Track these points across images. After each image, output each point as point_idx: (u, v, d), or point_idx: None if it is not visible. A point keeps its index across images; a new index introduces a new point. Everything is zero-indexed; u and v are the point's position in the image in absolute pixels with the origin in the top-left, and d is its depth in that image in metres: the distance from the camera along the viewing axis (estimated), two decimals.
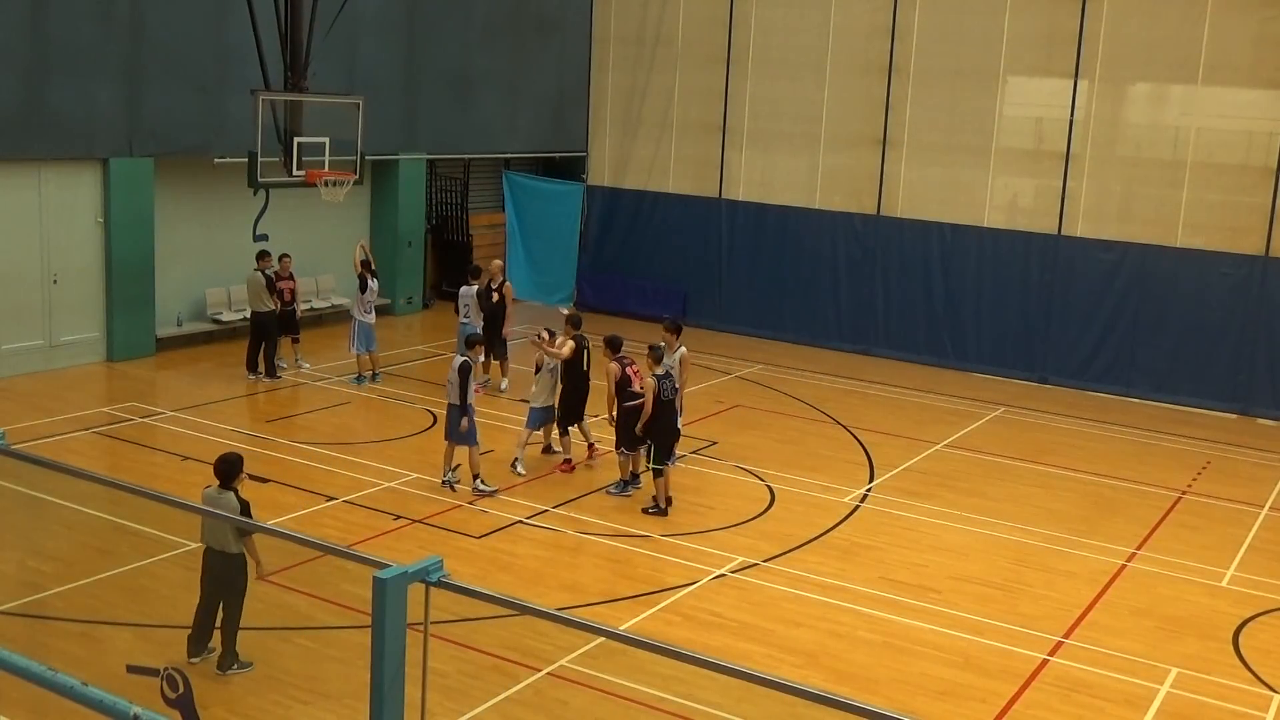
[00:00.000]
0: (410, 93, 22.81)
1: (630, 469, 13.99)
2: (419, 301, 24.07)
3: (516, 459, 14.47)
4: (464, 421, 13.34)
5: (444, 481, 13.64)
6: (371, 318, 17.87)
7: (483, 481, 13.56)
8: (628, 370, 13.86)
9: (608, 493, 13.83)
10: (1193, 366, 19.43)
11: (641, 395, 13.65)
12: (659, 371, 13.47)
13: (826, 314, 22.47)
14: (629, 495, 13.83)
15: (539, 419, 14.69)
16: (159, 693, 4.74)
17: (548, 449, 15.09)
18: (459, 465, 13.66)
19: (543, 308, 24.31)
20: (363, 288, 17.73)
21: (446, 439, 13.67)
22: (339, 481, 13.68)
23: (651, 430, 13.39)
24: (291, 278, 18.31)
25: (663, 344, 14.03)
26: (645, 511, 13.33)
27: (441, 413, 16.44)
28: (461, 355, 13.68)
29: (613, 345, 14.07)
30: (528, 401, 14.84)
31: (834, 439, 16.69)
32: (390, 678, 3.66)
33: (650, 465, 13.49)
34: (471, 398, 13.56)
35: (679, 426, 14.06)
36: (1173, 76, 19.53)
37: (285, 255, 18.25)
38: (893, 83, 21.45)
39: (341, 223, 22.15)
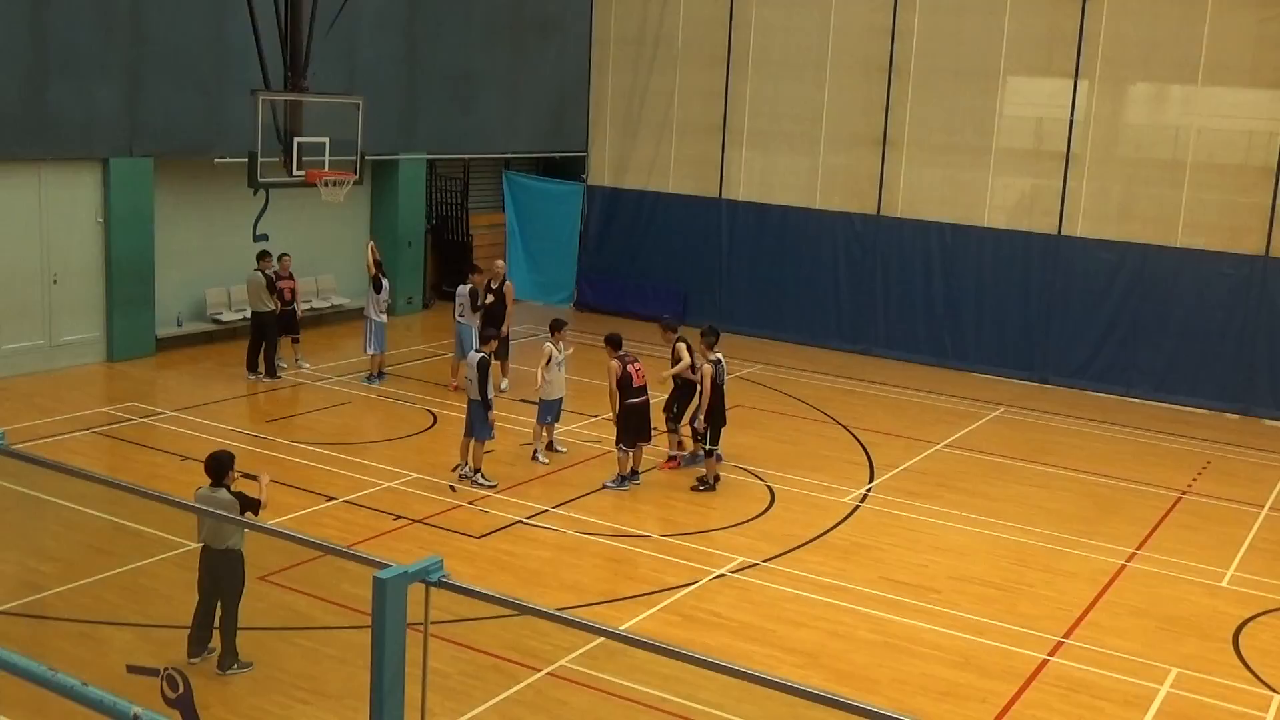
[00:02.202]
0: (410, 93, 22.81)
1: (630, 465, 14.11)
2: (419, 301, 24.07)
3: (536, 450, 14.78)
4: (489, 415, 13.61)
5: (461, 474, 13.84)
6: (384, 318, 17.88)
7: (483, 476, 13.67)
8: (630, 368, 13.96)
9: (605, 486, 13.94)
10: (1193, 366, 19.43)
11: (643, 393, 14.11)
12: (714, 357, 14.00)
13: (826, 314, 22.46)
14: (626, 490, 13.92)
15: (553, 411, 14.85)
16: (159, 693, 4.74)
17: (550, 445, 15.17)
18: (478, 470, 13.78)
19: (543, 307, 24.32)
20: (377, 288, 17.75)
21: (467, 436, 13.85)
22: (339, 481, 13.68)
23: (709, 413, 13.96)
24: (291, 277, 18.30)
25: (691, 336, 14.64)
26: (694, 489, 14.04)
27: (441, 412, 16.55)
28: (478, 352, 13.85)
29: (614, 343, 14.22)
30: (527, 399, 14.92)
31: (834, 439, 16.68)
32: (390, 678, 3.66)
33: (706, 446, 14.05)
34: (492, 393, 13.75)
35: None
36: (1173, 76, 19.53)
37: (285, 255, 18.24)
38: (893, 83, 21.45)
39: (341, 223, 22.16)
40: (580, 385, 16.86)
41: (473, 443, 13.77)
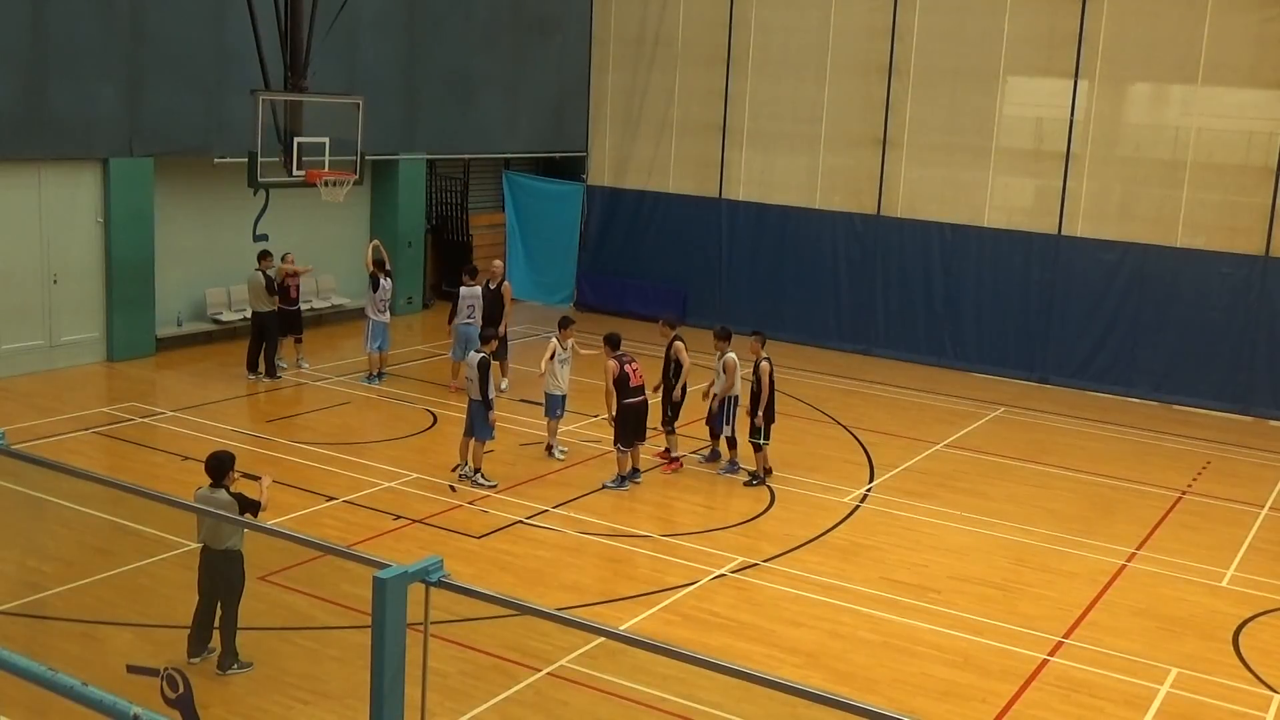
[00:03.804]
0: (410, 93, 22.81)
1: (630, 465, 14.13)
2: (419, 301, 24.07)
3: (551, 445, 14.89)
4: (491, 415, 13.63)
5: (461, 474, 13.81)
6: (386, 317, 17.84)
7: (483, 476, 13.67)
8: (627, 368, 13.99)
9: (605, 486, 13.96)
10: (1193, 366, 19.42)
11: (640, 393, 14.16)
12: (765, 355, 14.32)
13: (826, 314, 22.47)
14: (626, 490, 13.95)
15: (559, 406, 14.87)
16: (159, 693, 4.74)
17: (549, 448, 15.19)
18: (478, 470, 13.77)
19: (543, 307, 24.34)
20: (374, 287, 17.72)
21: (466, 435, 13.86)
22: (339, 481, 13.68)
23: (765, 410, 14.21)
24: (297, 275, 18.31)
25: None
26: (747, 484, 14.31)
27: (441, 412, 16.56)
28: (479, 352, 13.88)
29: (612, 342, 14.27)
30: (527, 400, 14.93)
31: (834, 439, 16.68)
32: (390, 678, 3.66)
33: (761, 441, 14.27)
34: (493, 393, 13.76)
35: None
36: (1173, 76, 19.53)
37: (287, 254, 18.28)
38: (893, 83, 21.45)
39: (341, 223, 22.16)
40: (579, 385, 16.83)
41: (473, 442, 13.78)
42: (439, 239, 25.23)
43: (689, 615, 10.73)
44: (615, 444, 14.11)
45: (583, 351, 15.47)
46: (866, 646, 10.32)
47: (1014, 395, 19.70)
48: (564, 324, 15.16)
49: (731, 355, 14.50)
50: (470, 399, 13.80)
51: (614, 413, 14.05)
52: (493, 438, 13.87)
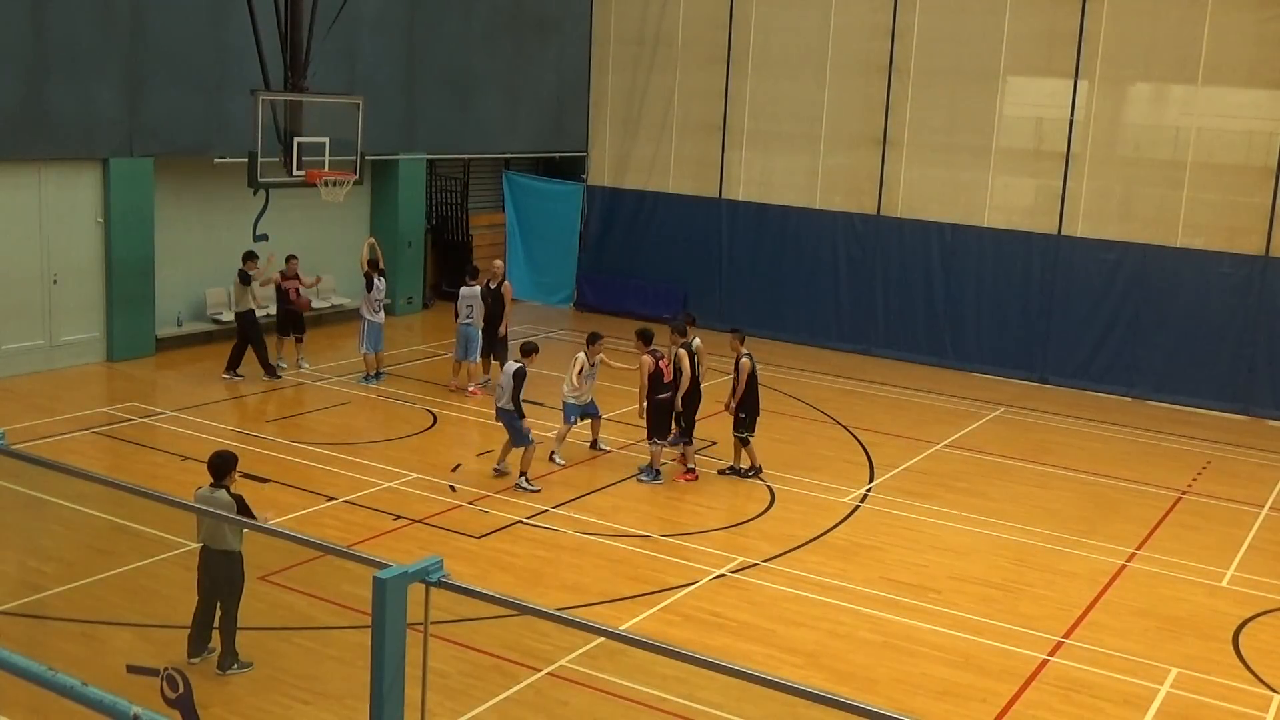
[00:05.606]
0: (410, 93, 22.81)
1: (660, 459, 14.30)
2: (419, 301, 24.07)
3: (554, 451, 14.74)
4: (524, 423, 13.62)
5: (517, 485, 13.74)
6: (380, 317, 17.82)
7: (527, 480, 13.67)
8: (660, 364, 14.05)
9: (638, 480, 14.14)
10: (1193, 366, 19.43)
11: (670, 389, 14.24)
12: (745, 352, 14.30)
13: (826, 314, 22.47)
14: (660, 482, 14.11)
15: (578, 412, 14.84)
16: (159, 693, 4.74)
17: (594, 444, 15.22)
18: (524, 474, 13.76)
19: (543, 307, 24.34)
20: (369, 287, 17.70)
21: (512, 445, 13.87)
22: (339, 481, 13.68)
23: (744, 404, 14.23)
24: (297, 277, 18.33)
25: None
26: (740, 474, 14.51)
27: (441, 412, 16.57)
28: (516, 362, 13.90)
29: (645, 338, 14.44)
30: (527, 400, 14.85)
31: (834, 439, 16.68)
32: (390, 678, 3.67)
33: (743, 435, 14.35)
34: (506, 400, 13.79)
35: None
36: (1173, 76, 19.53)
37: (292, 256, 18.31)
38: (893, 83, 21.45)
39: (341, 223, 22.15)
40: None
41: (513, 450, 13.75)
42: (439, 239, 25.22)
43: (689, 615, 10.73)
44: (650, 439, 14.21)
45: (614, 365, 15.32)
46: (866, 646, 10.32)
47: (1014, 395, 19.70)
48: (593, 339, 14.93)
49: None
50: (498, 407, 13.77)
51: (644, 407, 14.19)
52: (531, 442, 13.73)
